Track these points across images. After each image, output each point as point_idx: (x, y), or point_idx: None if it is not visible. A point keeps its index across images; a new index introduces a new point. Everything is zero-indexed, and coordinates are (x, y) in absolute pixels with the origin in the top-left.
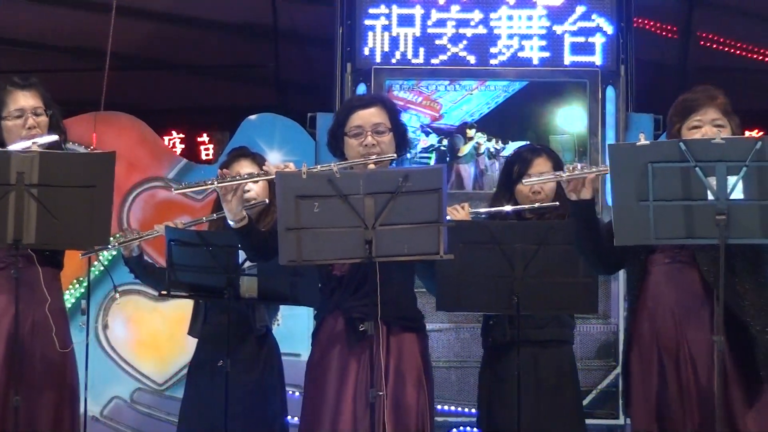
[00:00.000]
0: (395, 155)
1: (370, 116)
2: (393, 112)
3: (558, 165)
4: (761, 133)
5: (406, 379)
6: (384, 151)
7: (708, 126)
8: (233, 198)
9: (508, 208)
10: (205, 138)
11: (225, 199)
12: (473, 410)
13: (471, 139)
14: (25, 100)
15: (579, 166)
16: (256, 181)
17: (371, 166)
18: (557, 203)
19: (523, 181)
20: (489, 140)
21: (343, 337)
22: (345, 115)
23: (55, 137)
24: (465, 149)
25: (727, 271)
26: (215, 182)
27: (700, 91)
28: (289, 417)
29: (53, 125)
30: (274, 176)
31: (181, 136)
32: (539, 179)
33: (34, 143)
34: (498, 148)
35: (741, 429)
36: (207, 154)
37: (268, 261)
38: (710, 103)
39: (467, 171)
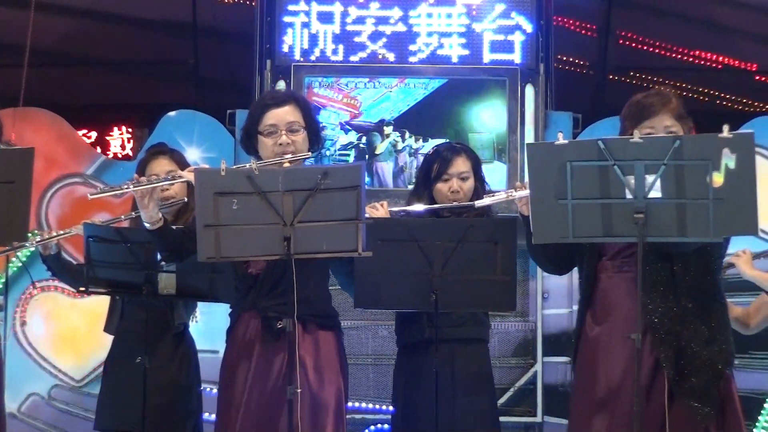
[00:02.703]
0: (310, 153)
1: (284, 115)
2: (307, 110)
3: (477, 164)
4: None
5: (323, 376)
6: (298, 149)
7: (662, 133)
8: (149, 201)
9: (426, 207)
10: (124, 134)
11: (141, 203)
12: (390, 408)
13: (388, 136)
14: None
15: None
16: (172, 184)
17: (286, 165)
18: (474, 203)
19: (475, 203)
20: (409, 137)
21: (259, 337)
22: (258, 113)
23: None
24: (381, 147)
25: (667, 291)
26: (131, 186)
27: (654, 95)
28: (206, 414)
29: None
30: (186, 179)
31: (100, 132)
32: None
33: None
34: (417, 146)
35: None
36: (126, 151)
37: (183, 261)
38: (664, 108)
39: (386, 168)
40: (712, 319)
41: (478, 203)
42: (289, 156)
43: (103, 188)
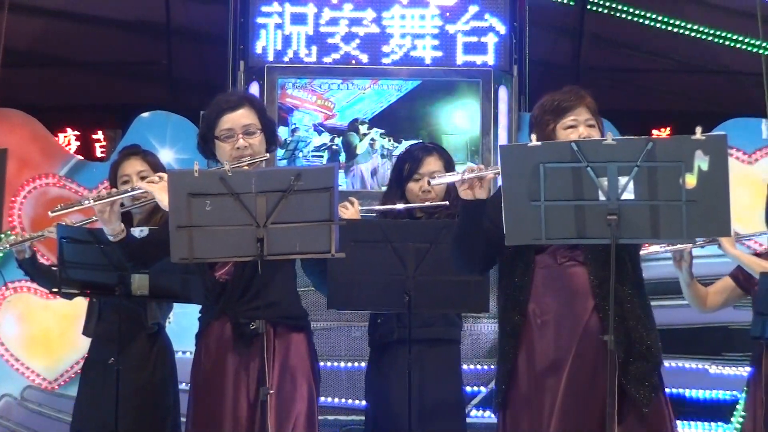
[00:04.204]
0: (267, 155)
1: (239, 118)
2: (261, 111)
3: (449, 163)
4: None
5: (296, 378)
6: (256, 151)
7: (583, 126)
8: (110, 214)
9: (398, 206)
10: (99, 135)
11: (101, 218)
12: (363, 408)
13: (365, 135)
14: None
15: (480, 166)
16: (132, 197)
17: (245, 168)
18: (447, 202)
19: (431, 182)
20: (383, 138)
21: (231, 342)
22: (214, 118)
23: None
24: (361, 147)
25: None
26: (91, 200)
27: (569, 91)
28: (183, 418)
29: None
30: (144, 191)
31: (75, 133)
32: (444, 179)
33: None
34: (391, 148)
35: None
36: (101, 152)
37: (149, 267)
38: (581, 102)
39: (365, 170)
40: (648, 308)
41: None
42: (248, 159)
43: (64, 205)
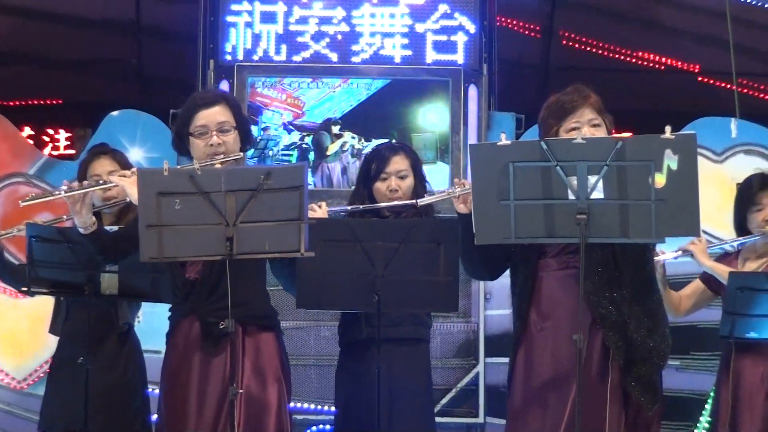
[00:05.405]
0: (241, 154)
1: (214, 115)
2: (236, 109)
3: (416, 162)
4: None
5: (265, 377)
6: (230, 149)
7: (586, 127)
8: (81, 207)
9: (364, 206)
10: (67, 134)
11: (73, 209)
12: (333, 408)
13: (338, 136)
14: None
15: (464, 181)
16: (103, 189)
17: (217, 166)
18: (414, 201)
19: (417, 202)
20: (352, 137)
21: (200, 341)
22: (189, 114)
23: None
24: (333, 148)
25: (611, 280)
26: (62, 192)
27: (572, 91)
28: (153, 417)
29: None
30: (116, 184)
31: (44, 132)
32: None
33: None
34: (360, 147)
35: None
36: (69, 151)
37: (119, 262)
38: (585, 102)
39: (335, 169)
40: (653, 311)
41: (421, 202)
42: (221, 157)
43: (35, 195)
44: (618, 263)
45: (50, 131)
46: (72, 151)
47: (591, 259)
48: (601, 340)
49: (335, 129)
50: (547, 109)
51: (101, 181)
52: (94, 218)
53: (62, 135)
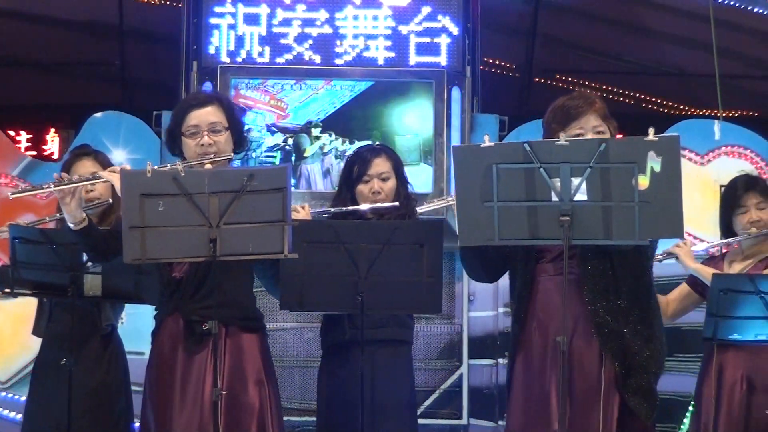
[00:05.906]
0: (232, 155)
1: (206, 115)
2: (230, 110)
3: (398, 164)
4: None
5: (247, 378)
6: (221, 150)
7: (590, 134)
8: (71, 200)
9: (347, 208)
10: (51, 135)
11: (63, 202)
12: (315, 410)
13: (317, 138)
14: None
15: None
16: (93, 184)
17: (208, 166)
18: (397, 203)
19: (417, 209)
20: (336, 140)
21: (183, 340)
22: (181, 114)
23: None
24: (311, 150)
25: (609, 289)
26: (52, 186)
27: (578, 97)
28: (136, 421)
29: None
30: (107, 179)
31: (28, 134)
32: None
33: None
34: (344, 148)
35: None
36: (53, 152)
37: (110, 261)
38: (590, 109)
39: (314, 170)
40: (649, 320)
41: (421, 209)
42: (211, 157)
43: (25, 187)
44: (616, 272)
45: (32, 133)
46: (53, 151)
47: (589, 268)
48: (598, 348)
49: (315, 131)
50: (552, 112)
51: (91, 175)
52: (84, 214)
53: (48, 136)
